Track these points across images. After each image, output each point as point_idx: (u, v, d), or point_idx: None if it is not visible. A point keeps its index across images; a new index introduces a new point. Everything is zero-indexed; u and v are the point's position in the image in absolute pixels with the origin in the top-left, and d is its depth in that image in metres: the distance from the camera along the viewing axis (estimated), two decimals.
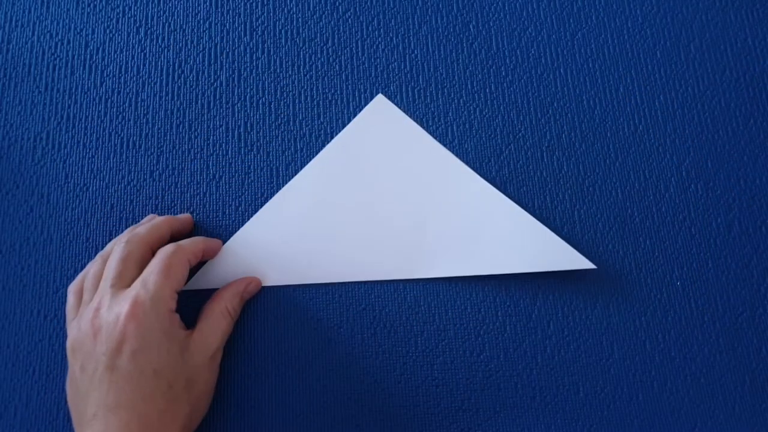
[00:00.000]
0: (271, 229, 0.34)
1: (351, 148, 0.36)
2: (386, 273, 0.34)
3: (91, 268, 0.31)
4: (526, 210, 0.35)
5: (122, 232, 0.35)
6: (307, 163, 0.36)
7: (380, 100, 0.36)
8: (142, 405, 0.26)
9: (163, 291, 0.28)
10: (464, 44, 0.38)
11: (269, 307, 0.34)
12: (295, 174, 0.36)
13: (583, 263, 0.33)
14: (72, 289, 0.31)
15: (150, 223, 0.32)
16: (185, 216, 0.34)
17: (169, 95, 0.37)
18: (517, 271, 0.33)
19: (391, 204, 0.35)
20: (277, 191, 0.35)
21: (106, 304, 0.28)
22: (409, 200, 0.35)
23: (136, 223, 0.35)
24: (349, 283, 0.34)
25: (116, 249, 0.30)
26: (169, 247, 0.30)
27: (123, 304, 0.27)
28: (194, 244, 0.31)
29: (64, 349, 0.33)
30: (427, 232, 0.34)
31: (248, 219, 0.35)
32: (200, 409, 0.30)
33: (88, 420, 0.26)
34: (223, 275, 0.33)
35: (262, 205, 0.35)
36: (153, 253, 0.31)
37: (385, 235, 0.34)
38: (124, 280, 0.29)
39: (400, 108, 0.37)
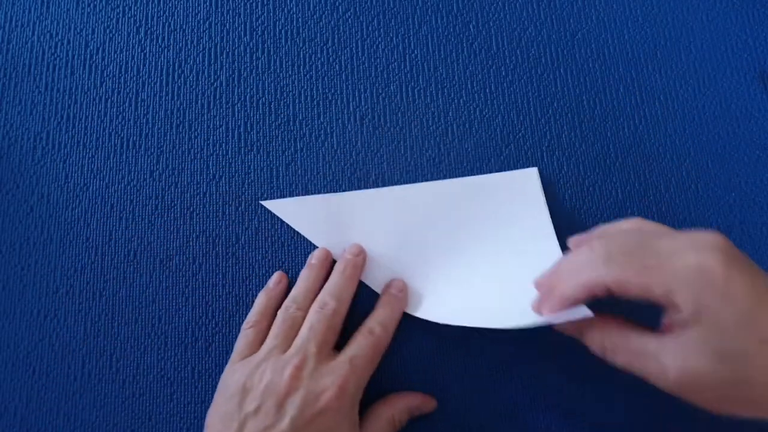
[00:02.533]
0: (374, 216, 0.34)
1: (476, 194, 0.35)
2: (420, 312, 0.33)
3: (281, 316, 0.30)
4: None
5: (122, 231, 0.35)
6: (308, 163, 0.36)
7: (532, 173, 0.36)
8: None
9: (364, 380, 0.28)
10: (464, 44, 0.38)
11: None
12: (295, 174, 0.36)
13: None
14: (254, 326, 0.31)
15: (348, 289, 0.31)
16: (363, 256, 0.33)
17: (169, 95, 0.37)
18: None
19: (480, 256, 0.34)
20: (277, 191, 0.35)
21: (310, 367, 0.27)
22: (460, 248, 0.34)
23: (136, 223, 0.35)
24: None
25: (325, 314, 0.30)
26: (378, 332, 0.30)
27: (329, 380, 0.27)
28: (395, 322, 0.31)
29: (64, 349, 0.33)
30: (476, 279, 0.33)
31: (248, 219, 0.35)
32: None
33: None
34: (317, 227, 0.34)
35: (262, 205, 0.35)
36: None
37: (434, 277, 0.33)
38: (328, 347, 0.29)
39: (401, 108, 0.37)
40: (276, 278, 0.33)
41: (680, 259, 0.22)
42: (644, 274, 0.23)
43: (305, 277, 0.33)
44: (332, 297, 0.31)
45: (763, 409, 0.21)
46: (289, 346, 0.29)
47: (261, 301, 0.33)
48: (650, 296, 0.23)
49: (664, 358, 0.22)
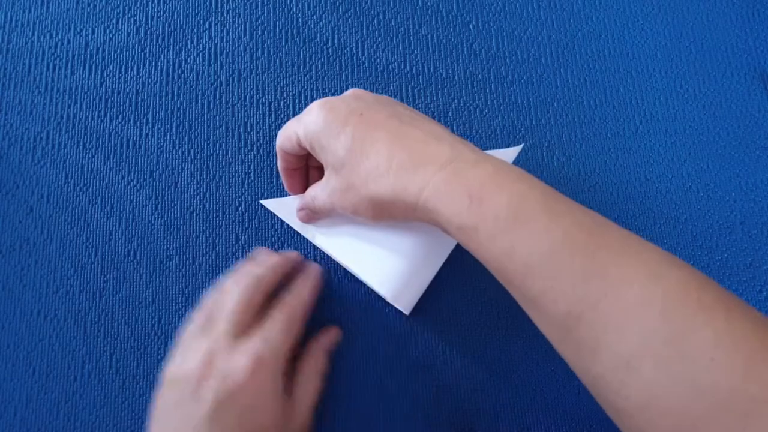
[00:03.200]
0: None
1: None
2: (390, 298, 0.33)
3: (208, 302, 0.30)
4: None
5: (122, 231, 0.35)
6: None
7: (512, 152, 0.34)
8: None
9: (282, 353, 0.28)
10: (464, 44, 0.38)
11: None
12: None
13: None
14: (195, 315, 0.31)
15: (268, 267, 0.31)
16: (293, 255, 0.34)
17: (169, 95, 0.37)
18: None
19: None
20: (277, 191, 0.35)
21: (223, 351, 0.27)
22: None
23: (136, 223, 0.35)
24: (350, 283, 0.34)
25: (235, 292, 0.29)
26: (293, 303, 0.30)
27: (242, 358, 0.27)
28: (311, 295, 0.31)
29: (64, 349, 0.33)
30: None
31: (248, 219, 0.35)
32: None
33: None
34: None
35: (261, 205, 0.35)
36: (267, 295, 0.30)
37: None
38: (241, 327, 0.28)
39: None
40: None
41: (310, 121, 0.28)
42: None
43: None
44: (252, 276, 0.30)
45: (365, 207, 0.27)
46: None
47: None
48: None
49: (321, 192, 0.29)
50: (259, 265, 0.31)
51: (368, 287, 0.34)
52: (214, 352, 0.27)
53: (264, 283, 0.30)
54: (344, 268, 0.34)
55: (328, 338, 0.32)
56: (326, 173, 0.29)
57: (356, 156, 0.26)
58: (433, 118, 0.37)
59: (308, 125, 0.28)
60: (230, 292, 0.29)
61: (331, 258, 0.34)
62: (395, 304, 0.32)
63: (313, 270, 0.33)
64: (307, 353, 0.31)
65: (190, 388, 0.27)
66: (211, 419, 0.26)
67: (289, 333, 0.29)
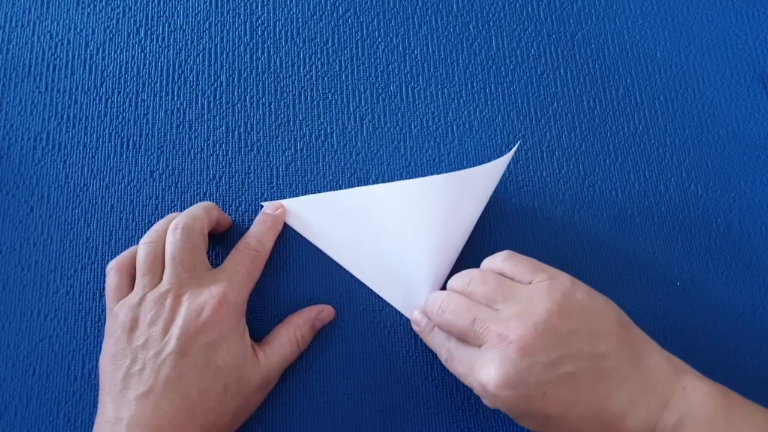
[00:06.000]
0: (341, 209, 0.34)
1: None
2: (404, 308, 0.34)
3: (142, 251, 0.30)
4: (526, 210, 0.35)
5: (122, 232, 0.35)
6: (308, 163, 0.36)
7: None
8: (196, 397, 0.26)
9: (244, 293, 0.29)
10: (464, 44, 0.38)
11: None
12: (295, 174, 0.36)
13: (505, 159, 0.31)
14: (116, 267, 0.30)
15: (200, 207, 0.31)
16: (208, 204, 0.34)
17: (169, 95, 0.37)
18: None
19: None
20: (277, 191, 0.35)
21: (188, 292, 0.28)
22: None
23: (136, 223, 0.35)
24: (349, 283, 0.34)
25: (178, 235, 0.29)
26: (253, 245, 0.31)
27: (209, 297, 0.28)
28: (271, 238, 0.32)
29: (64, 349, 0.33)
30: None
31: (248, 219, 0.35)
32: (239, 421, 0.29)
33: (133, 397, 0.26)
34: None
35: (261, 206, 0.35)
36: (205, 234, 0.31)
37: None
38: (198, 271, 0.29)
39: (401, 108, 0.37)
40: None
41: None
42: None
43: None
44: (185, 217, 0.30)
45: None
46: (160, 279, 0.29)
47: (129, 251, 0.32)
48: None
49: (477, 367, 0.26)
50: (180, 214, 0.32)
51: (367, 287, 0.34)
52: (181, 294, 0.28)
53: (204, 223, 0.31)
54: (344, 267, 0.34)
55: (317, 312, 0.32)
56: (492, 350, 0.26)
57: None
58: (433, 118, 0.37)
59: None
60: (173, 239, 0.30)
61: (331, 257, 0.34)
62: (405, 314, 0.33)
63: (278, 213, 0.33)
64: (290, 320, 0.32)
65: (160, 328, 0.27)
66: (178, 355, 0.27)
67: (250, 277, 0.30)
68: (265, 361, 0.29)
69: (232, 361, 0.28)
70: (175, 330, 0.27)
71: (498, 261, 0.30)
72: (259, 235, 0.32)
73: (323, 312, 0.33)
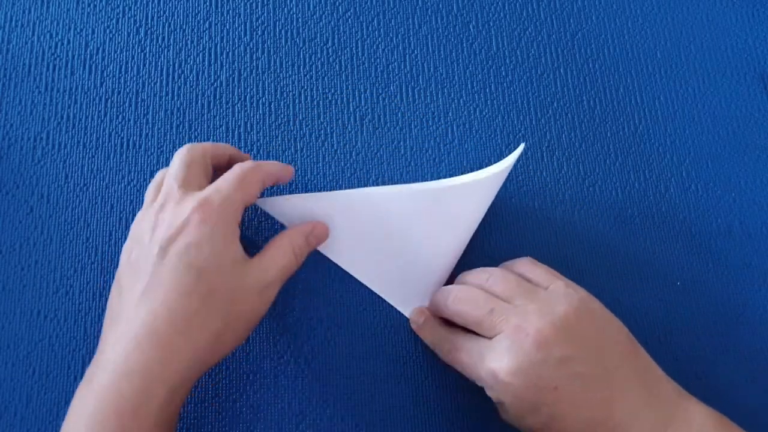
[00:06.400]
0: (349, 209, 0.33)
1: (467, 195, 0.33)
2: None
3: (158, 177, 0.31)
4: (526, 210, 0.35)
5: (122, 232, 0.35)
6: (308, 163, 0.36)
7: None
8: (175, 300, 0.25)
9: (234, 198, 0.27)
10: (464, 44, 0.38)
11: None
12: (297, 174, 0.36)
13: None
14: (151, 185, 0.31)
15: (209, 143, 0.32)
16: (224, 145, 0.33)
17: (169, 95, 0.37)
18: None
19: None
20: (277, 191, 0.35)
21: (173, 200, 0.28)
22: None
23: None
24: (350, 283, 0.34)
25: (180, 155, 0.30)
26: (247, 163, 0.29)
27: (192, 201, 0.27)
28: (271, 165, 0.31)
29: (64, 349, 0.33)
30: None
31: (248, 219, 0.35)
32: (236, 332, 0.28)
33: (120, 310, 0.26)
34: (286, 213, 0.33)
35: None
36: (213, 170, 0.31)
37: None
38: (191, 185, 0.28)
39: (401, 108, 0.37)
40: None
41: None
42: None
43: None
44: (189, 145, 0.30)
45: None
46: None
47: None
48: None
49: (488, 356, 0.27)
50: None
51: (366, 287, 0.34)
52: (166, 203, 0.28)
53: (208, 152, 0.30)
54: (341, 266, 0.34)
55: (311, 227, 0.31)
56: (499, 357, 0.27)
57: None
58: (433, 118, 0.37)
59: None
60: (174, 158, 0.30)
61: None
62: (405, 314, 0.33)
63: (285, 167, 0.32)
64: (285, 232, 0.30)
65: (143, 240, 0.27)
66: (158, 257, 0.26)
67: (240, 187, 0.28)
68: (259, 268, 0.28)
69: (216, 263, 0.26)
70: (159, 234, 0.27)
71: (518, 264, 0.30)
72: (256, 162, 0.31)
73: (317, 227, 0.31)
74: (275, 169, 0.31)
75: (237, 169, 0.29)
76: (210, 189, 0.28)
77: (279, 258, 0.29)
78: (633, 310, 0.34)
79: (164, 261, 0.26)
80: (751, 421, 0.32)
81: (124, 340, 0.25)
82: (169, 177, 0.29)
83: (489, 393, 0.27)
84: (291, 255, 0.29)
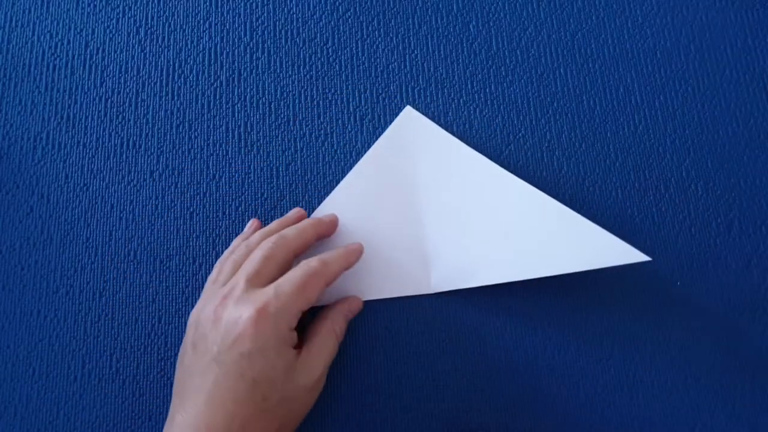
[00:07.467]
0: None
1: (384, 161, 0.35)
2: (432, 286, 0.34)
3: (234, 253, 0.31)
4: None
5: (122, 231, 0.35)
6: (308, 163, 0.36)
7: (408, 112, 0.36)
8: (232, 406, 0.26)
9: (291, 307, 0.28)
10: (464, 44, 0.38)
11: None
12: (295, 174, 0.36)
13: (637, 256, 0.30)
14: (219, 261, 0.32)
15: (299, 228, 0.31)
16: (331, 218, 0.34)
17: (169, 95, 0.37)
18: (569, 270, 0.31)
19: (432, 216, 0.34)
20: (277, 191, 0.35)
21: (235, 297, 0.28)
22: (450, 209, 0.34)
23: (136, 223, 0.35)
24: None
25: (263, 245, 0.30)
26: (313, 264, 0.29)
27: (250, 307, 0.27)
28: (337, 263, 0.31)
29: (64, 349, 0.33)
30: (471, 240, 0.34)
31: (248, 219, 0.35)
32: (290, 427, 0.29)
33: (185, 400, 0.27)
34: None
35: (262, 205, 0.35)
36: (295, 257, 0.31)
37: (429, 247, 0.34)
38: (260, 279, 0.29)
39: (401, 108, 0.37)
40: (252, 225, 0.34)
41: None
42: None
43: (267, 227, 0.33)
44: (279, 236, 0.31)
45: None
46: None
47: (234, 243, 0.33)
48: None
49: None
50: (287, 218, 0.33)
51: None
52: (228, 297, 0.28)
53: (292, 247, 0.30)
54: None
55: (348, 305, 0.33)
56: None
57: None
58: (433, 118, 0.37)
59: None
60: (259, 246, 0.30)
61: None
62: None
63: (355, 246, 0.33)
64: (324, 315, 0.31)
65: (203, 330, 0.28)
66: (216, 362, 0.27)
67: (301, 293, 0.28)
68: (309, 364, 0.29)
69: (269, 373, 0.27)
70: (216, 337, 0.27)
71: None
72: (326, 257, 0.31)
73: (353, 303, 0.33)
74: (340, 268, 0.31)
75: (301, 272, 0.29)
76: (270, 292, 0.28)
77: (324, 351, 0.30)
78: (633, 310, 0.34)
79: (221, 367, 0.27)
80: (751, 422, 0.32)
81: (186, 427, 0.26)
82: (241, 270, 0.29)
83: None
84: (334, 341, 0.31)
